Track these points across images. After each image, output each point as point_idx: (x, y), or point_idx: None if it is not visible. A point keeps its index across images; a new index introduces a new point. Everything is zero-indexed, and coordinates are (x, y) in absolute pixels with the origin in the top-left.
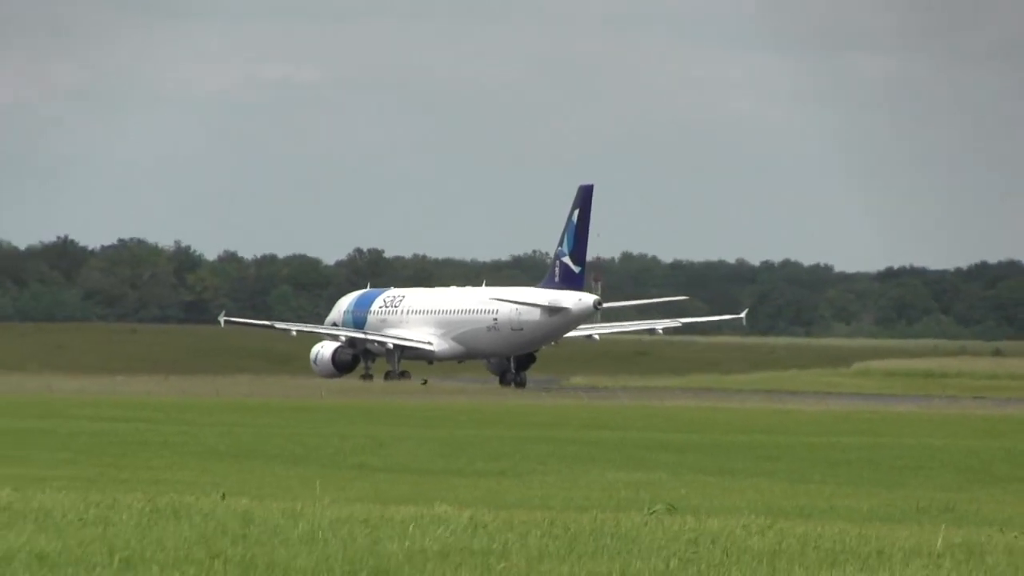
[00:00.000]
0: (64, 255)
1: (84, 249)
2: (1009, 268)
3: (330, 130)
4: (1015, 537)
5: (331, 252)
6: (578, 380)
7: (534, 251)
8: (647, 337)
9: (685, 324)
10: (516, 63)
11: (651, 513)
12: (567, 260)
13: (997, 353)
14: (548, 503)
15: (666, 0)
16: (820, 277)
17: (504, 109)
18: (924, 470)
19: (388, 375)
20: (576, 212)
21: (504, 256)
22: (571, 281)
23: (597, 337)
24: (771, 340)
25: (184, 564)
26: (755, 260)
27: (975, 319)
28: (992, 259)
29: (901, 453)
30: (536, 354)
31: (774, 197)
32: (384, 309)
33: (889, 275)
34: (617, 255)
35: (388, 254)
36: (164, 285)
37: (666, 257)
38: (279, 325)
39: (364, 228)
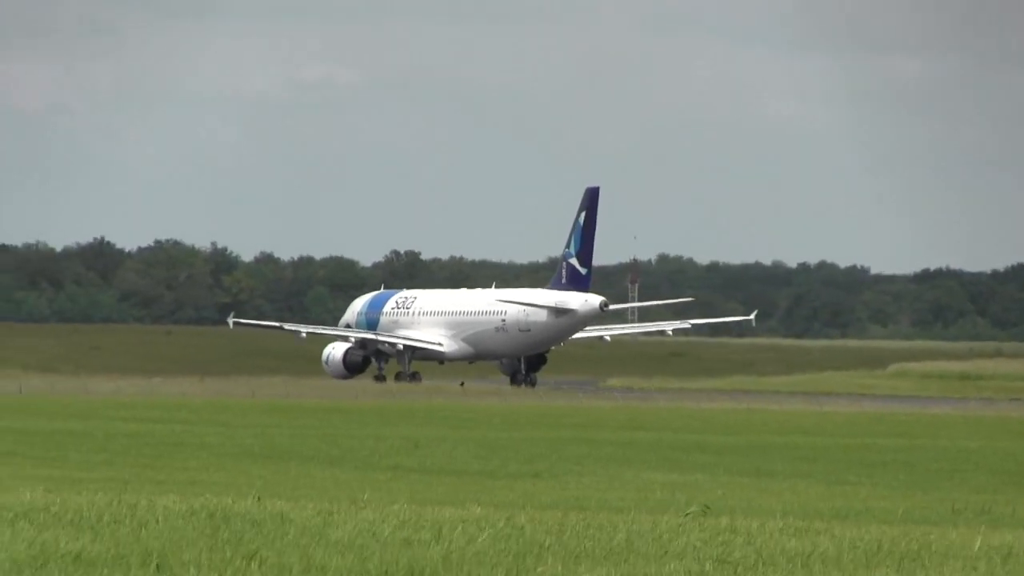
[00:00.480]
0: (100, 256)
1: (120, 251)
2: None
3: (367, 131)
4: None
5: (368, 254)
6: (615, 382)
7: None
8: (683, 339)
9: (695, 325)
10: (552, 66)
11: (687, 515)
12: (574, 262)
13: None
14: (584, 504)
15: (701, 1)
16: (856, 279)
17: (541, 110)
18: (960, 472)
19: (399, 376)
20: (583, 214)
21: (541, 258)
22: (578, 282)
23: (608, 338)
24: (807, 342)
25: (220, 566)
26: (791, 262)
27: (1011, 321)
28: None
29: (937, 455)
30: (547, 355)
31: (810, 199)
32: (396, 311)
33: (925, 277)
34: (654, 257)
35: (425, 256)
36: (200, 287)
37: (702, 259)
38: (287, 326)
39: (401, 230)
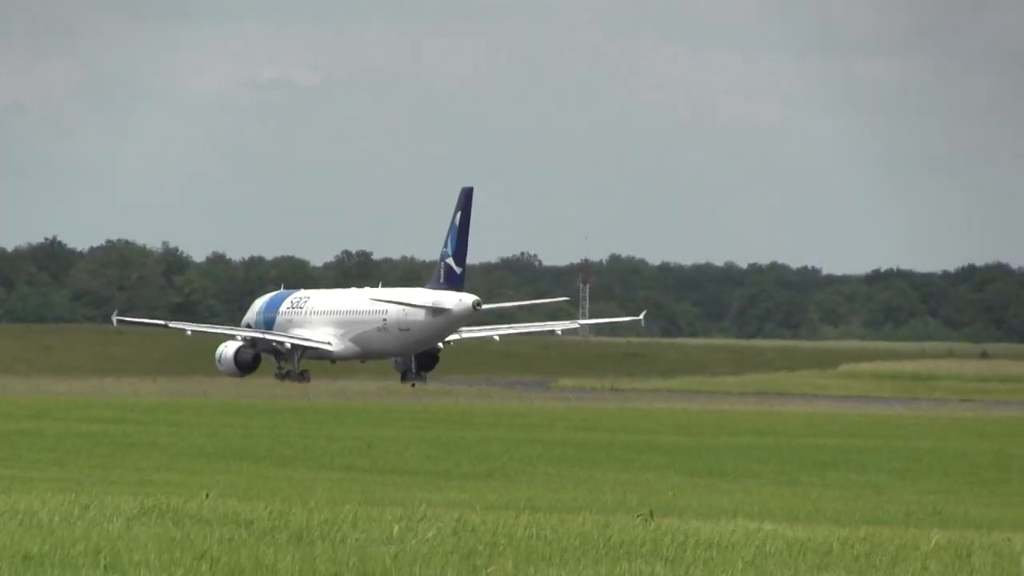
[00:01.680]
0: (52, 256)
1: (72, 250)
2: (996, 271)
3: (320, 132)
4: (1006, 540)
5: (319, 254)
6: (567, 382)
7: (523, 253)
8: (636, 339)
9: (584, 325)
10: (508, 64)
11: (639, 517)
12: (450, 261)
13: (984, 355)
14: (536, 505)
15: (665, 2)
16: (808, 280)
17: (496, 109)
18: (912, 473)
19: (288, 374)
20: (458, 215)
21: (493, 258)
22: (453, 282)
23: (497, 338)
24: (760, 342)
25: (171, 566)
26: (743, 263)
27: (963, 322)
28: (979, 262)
29: (889, 456)
30: (439, 354)
31: (763, 200)
32: (291, 310)
33: (877, 278)
34: (606, 257)
35: (376, 256)
36: (152, 286)
37: (654, 259)
38: (172, 324)
39: (353, 230)
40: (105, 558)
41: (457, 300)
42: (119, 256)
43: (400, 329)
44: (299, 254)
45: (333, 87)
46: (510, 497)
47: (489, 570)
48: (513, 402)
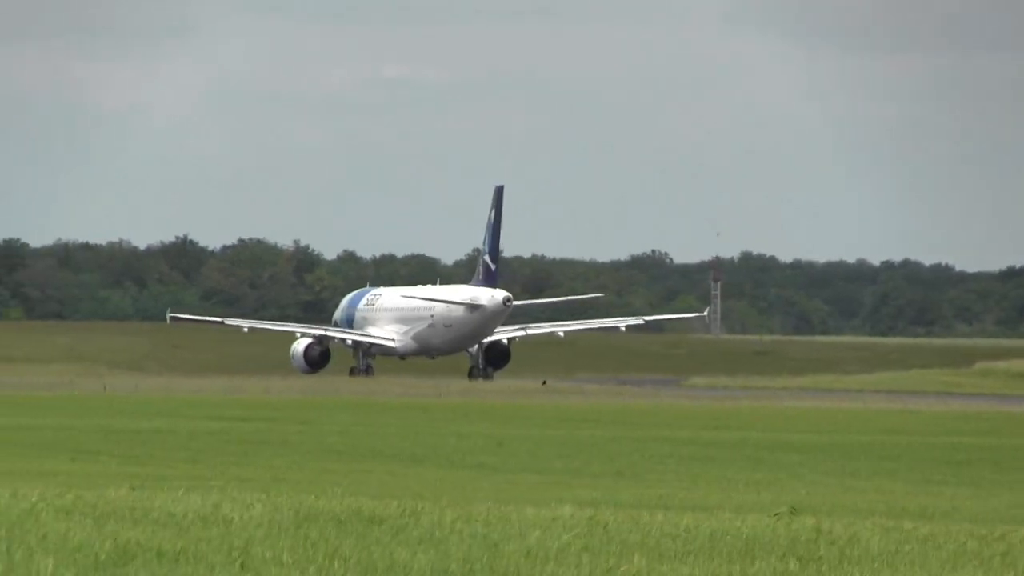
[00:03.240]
0: (184, 255)
1: (203, 249)
2: None
3: (449, 130)
4: None
5: (450, 252)
6: (698, 380)
7: (653, 251)
8: (768, 337)
9: (648, 322)
10: (628, 63)
11: (775, 515)
12: (487, 259)
13: None
14: (668, 503)
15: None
16: (941, 277)
17: (620, 108)
18: None
19: (353, 371)
20: (492, 212)
21: (623, 256)
22: (489, 279)
23: (563, 334)
24: (892, 340)
25: (304, 564)
26: (876, 260)
27: None
28: None
29: None
30: (510, 350)
31: (895, 197)
32: (365, 308)
33: (1011, 275)
34: (737, 255)
35: (507, 254)
36: (283, 285)
37: (786, 257)
38: (229, 321)
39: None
40: (239, 555)
41: (490, 296)
42: (250, 254)
43: (444, 325)
44: (429, 252)
45: (459, 85)
46: (642, 496)
47: (621, 569)
48: (644, 400)
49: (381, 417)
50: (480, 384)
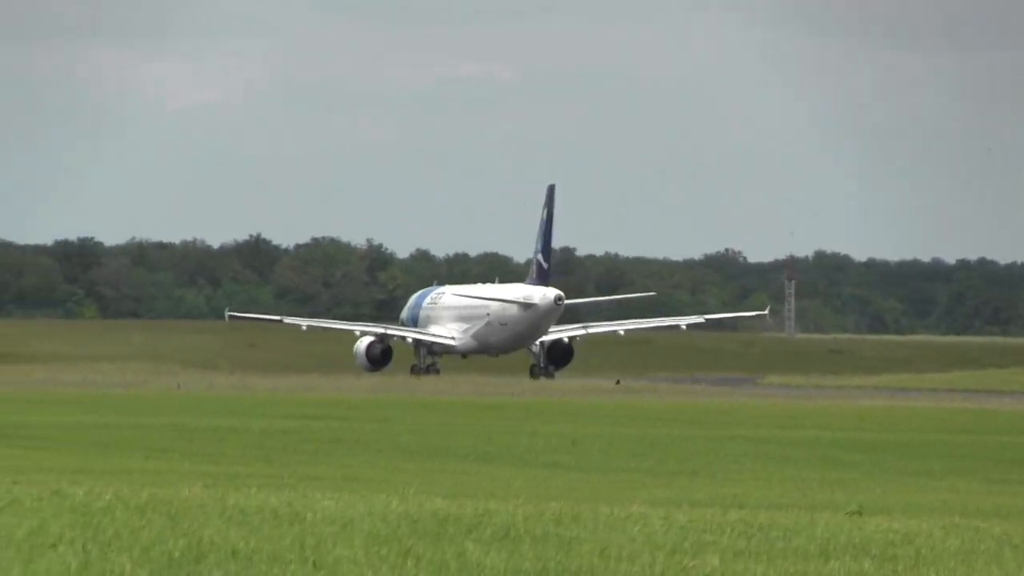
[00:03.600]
0: (257, 254)
1: (277, 247)
2: None
3: (523, 128)
4: None
5: (522, 250)
6: (772, 379)
7: (727, 249)
8: (841, 336)
9: (709, 320)
10: (706, 60)
11: (847, 513)
12: (539, 257)
13: None
14: (742, 502)
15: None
16: (1017, 276)
17: (696, 105)
18: None
19: (414, 369)
20: (545, 211)
21: (697, 255)
22: (542, 277)
23: (623, 332)
24: (967, 339)
25: (376, 562)
26: (951, 259)
27: None
28: None
29: None
30: (573, 349)
31: (970, 195)
32: (429, 306)
33: None
34: (811, 253)
35: (580, 252)
36: (356, 283)
37: (860, 256)
38: (287, 320)
39: (557, 226)
40: (312, 554)
41: (542, 295)
42: (323, 253)
43: (500, 324)
44: (502, 250)
45: (530, 82)
46: (716, 494)
47: (691, 564)
48: (718, 399)
49: (454, 416)
50: (554, 383)
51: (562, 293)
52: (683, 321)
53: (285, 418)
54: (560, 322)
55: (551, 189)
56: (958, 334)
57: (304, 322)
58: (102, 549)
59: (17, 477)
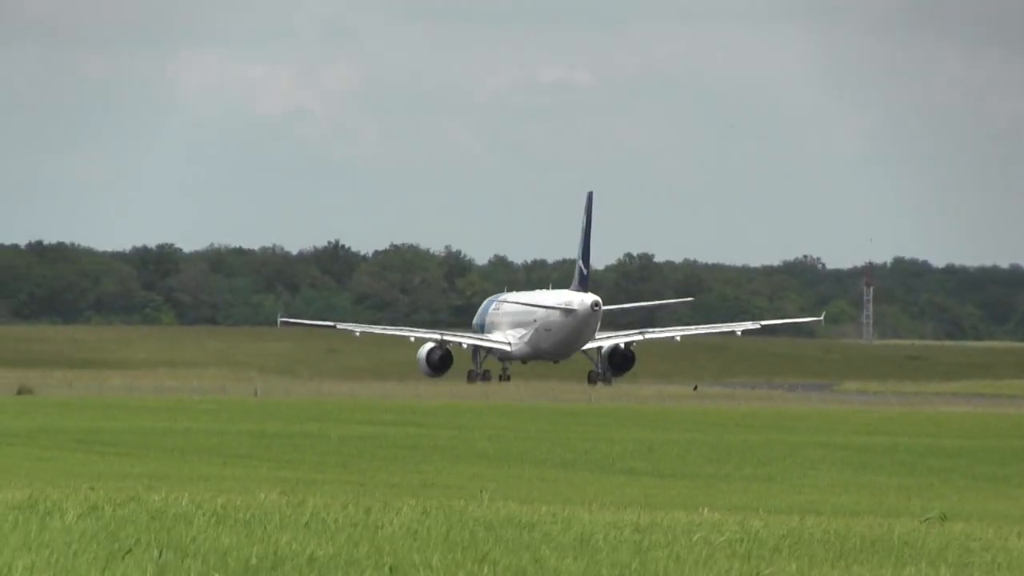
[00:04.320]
0: (336, 260)
1: (356, 254)
2: None
3: (602, 134)
4: None
5: (601, 257)
6: (850, 385)
7: (805, 256)
8: (919, 342)
9: (764, 326)
10: (792, 65)
11: (924, 520)
12: (580, 263)
13: None
14: (818, 508)
15: None
16: None
17: (780, 111)
18: None
19: (470, 375)
20: (585, 218)
21: (775, 261)
22: (582, 283)
23: (679, 338)
24: None
25: (453, 568)
26: None
27: None
28: None
29: None
30: (632, 355)
31: None
32: (493, 312)
33: None
34: (889, 259)
35: (658, 259)
36: (435, 290)
37: (938, 262)
38: (341, 326)
39: (634, 232)
40: (389, 560)
41: (580, 300)
42: (402, 259)
43: (545, 329)
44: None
45: (609, 88)
46: (792, 501)
47: (767, 571)
48: (795, 405)
49: (531, 422)
50: (631, 389)
51: (599, 299)
52: (739, 327)
53: (362, 424)
54: (625, 328)
55: (590, 196)
56: None
57: (358, 328)
58: (178, 555)
59: (95, 483)
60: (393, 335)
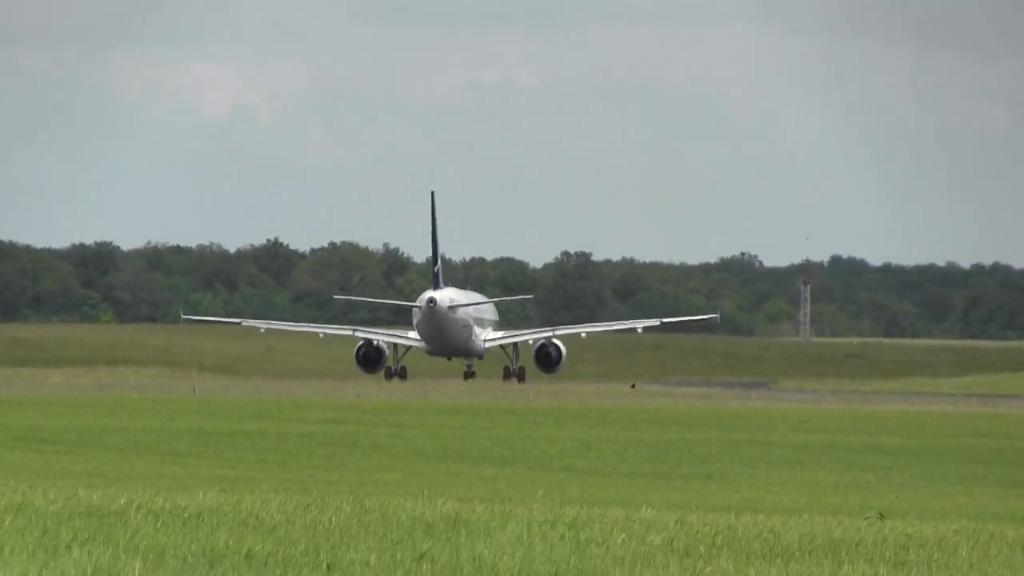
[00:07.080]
0: (275, 258)
1: (294, 252)
2: None
3: (540, 134)
4: None
5: (539, 255)
6: (788, 384)
7: (743, 253)
8: (858, 340)
9: (664, 323)
10: (731, 64)
11: (866, 519)
12: (433, 262)
13: None
14: (756, 506)
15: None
16: None
17: (712, 110)
18: None
19: (387, 372)
20: (432, 218)
21: (713, 259)
22: (436, 281)
23: (584, 335)
24: (983, 343)
25: (391, 566)
26: (966, 263)
27: None
28: None
29: None
30: (555, 353)
31: (984, 199)
32: (416, 311)
33: None
34: (827, 258)
35: (596, 257)
36: (373, 287)
37: (876, 260)
38: (246, 323)
39: (572, 231)
40: (327, 558)
41: (428, 298)
42: (340, 257)
43: (422, 327)
44: (518, 256)
45: (553, 90)
46: (730, 499)
47: (707, 570)
48: (733, 403)
49: (470, 420)
50: (571, 387)
51: (436, 296)
52: (640, 324)
53: (301, 422)
54: (559, 324)
55: (432, 196)
56: (974, 338)
57: (263, 324)
58: (115, 553)
59: (33, 481)
60: (304, 331)
